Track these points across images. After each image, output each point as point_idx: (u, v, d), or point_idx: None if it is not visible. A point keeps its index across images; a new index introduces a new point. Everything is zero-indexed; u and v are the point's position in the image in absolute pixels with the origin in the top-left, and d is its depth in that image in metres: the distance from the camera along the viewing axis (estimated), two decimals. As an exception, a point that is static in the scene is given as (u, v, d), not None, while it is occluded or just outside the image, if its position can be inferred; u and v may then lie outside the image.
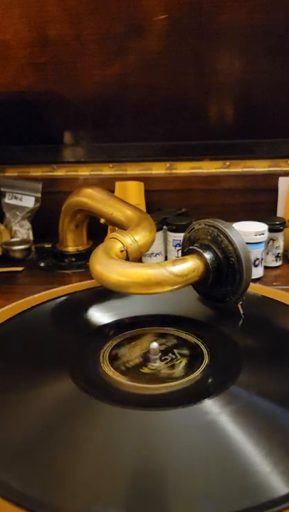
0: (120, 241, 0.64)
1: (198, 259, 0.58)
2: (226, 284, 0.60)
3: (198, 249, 0.59)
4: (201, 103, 0.96)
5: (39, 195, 1.00)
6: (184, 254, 0.62)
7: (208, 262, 0.58)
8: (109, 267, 0.57)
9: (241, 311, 0.61)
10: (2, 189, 1.01)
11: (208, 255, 0.59)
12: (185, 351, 0.55)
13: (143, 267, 0.56)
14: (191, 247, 0.60)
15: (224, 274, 0.59)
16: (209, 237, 0.60)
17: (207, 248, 0.59)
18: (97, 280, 0.58)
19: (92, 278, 0.60)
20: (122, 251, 0.64)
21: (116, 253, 0.62)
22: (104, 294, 0.65)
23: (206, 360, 0.53)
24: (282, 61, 0.90)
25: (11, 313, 0.63)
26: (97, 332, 0.60)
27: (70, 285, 0.72)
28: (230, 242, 0.57)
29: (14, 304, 0.65)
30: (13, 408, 0.46)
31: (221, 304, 0.62)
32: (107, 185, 0.95)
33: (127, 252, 0.64)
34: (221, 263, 0.59)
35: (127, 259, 0.64)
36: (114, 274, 0.56)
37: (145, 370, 0.51)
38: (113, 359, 0.53)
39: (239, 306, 0.61)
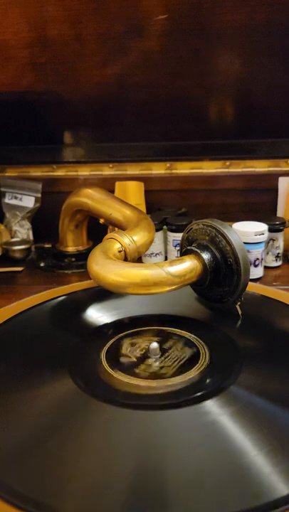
0: (118, 241, 0.64)
1: (196, 259, 0.58)
2: (224, 285, 0.60)
3: (196, 250, 0.59)
4: (201, 103, 0.96)
5: (39, 195, 1.00)
6: (182, 254, 0.62)
7: (206, 262, 0.58)
8: (106, 267, 0.57)
9: (240, 312, 0.61)
10: (2, 189, 1.01)
11: (206, 256, 0.59)
12: (185, 351, 0.54)
13: (140, 268, 0.56)
14: (189, 248, 0.60)
15: (222, 275, 0.59)
16: (207, 238, 0.60)
17: (205, 248, 0.59)
18: (95, 280, 0.58)
19: (91, 278, 0.60)
20: (120, 251, 0.64)
21: (114, 253, 0.62)
22: (104, 294, 0.65)
23: (206, 360, 0.53)
24: (282, 61, 0.90)
25: (11, 313, 0.63)
26: (96, 332, 0.60)
27: (69, 285, 0.72)
28: (228, 242, 0.57)
29: (14, 303, 0.66)
30: (12, 408, 0.46)
31: (219, 304, 0.62)
32: (107, 185, 0.96)
33: (125, 252, 0.64)
34: (218, 263, 0.59)
35: (126, 259, 0.64)
36: (112, 274, 0.55)
37: (145, 370, 0.51)
38: (113, 359, 0.53)
39: (237, 306, 0.61)
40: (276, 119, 0.96)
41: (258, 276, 0.82)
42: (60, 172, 1.03)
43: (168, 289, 0.56)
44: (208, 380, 0.50)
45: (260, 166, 0.99)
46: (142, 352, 0.54)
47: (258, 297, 0.67)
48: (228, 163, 1.00)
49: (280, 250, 0.86)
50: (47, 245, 0.96)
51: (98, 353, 0.54)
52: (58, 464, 0.40)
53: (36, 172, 1.03)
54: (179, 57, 0.91)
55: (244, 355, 0.53)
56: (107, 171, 1.02)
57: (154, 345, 0.53)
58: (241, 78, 0.92)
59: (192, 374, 0.50)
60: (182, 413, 0.44)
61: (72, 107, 0.97)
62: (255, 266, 0.81)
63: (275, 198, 0.97)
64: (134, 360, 0.53)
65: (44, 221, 0.99)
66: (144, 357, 0.53)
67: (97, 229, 0.85)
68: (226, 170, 1.00)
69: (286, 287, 0.76)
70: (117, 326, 0.61)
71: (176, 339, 0.57)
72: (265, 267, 0.85)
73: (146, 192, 0.98)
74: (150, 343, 0.53)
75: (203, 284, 0.60)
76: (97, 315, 0.64)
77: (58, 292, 0.70)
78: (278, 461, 0.39)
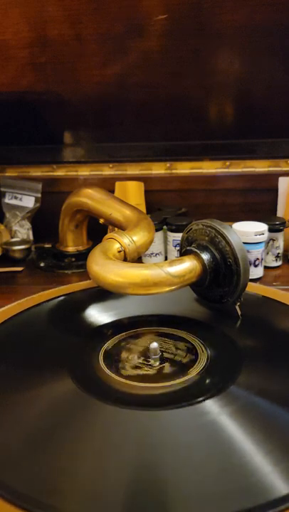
0: (118, 241, 0.64)
1: (195, 259, 0.58)
2: (224, 285, 0.60)
3: (196, 250, 0.59)
4: (201, 103, 0.96)
5: (39, 195, 1.00)
6: (181, 254, 0.62)
7: (206, 262, 0.58)
8: (106, 267, 0.57)
9: (239, 312, 0.61)
10: (2, 189, 1.01)
11: (205, 256, 0.58)
12: (184, 351, 0.55)
13: (140, 268, 0.56)
14: (188, 248, 0.60)
15: (221, 275, 0.59)
16: (207, 238, 0.60)
17: (204, 249, 0.59)
18: (95, 281, 0.58)
19: (91, 278, 0.60)
20: (119, 251, 0.64)
21: (113, 253, 0.62)
22: (104, 294, 0.65)
23: (206, 360, 0.53)
24: (282, 61, 0.90)
25: (11, 313, 0.63)
26: (96, 332, 0.60)
27: (69, 285, 0.72)
28: (228, 242, 0.57)
29: (14, 303, 0.66)
30: (12, 408, 0.46)
31: (219, 304, 0.62)
32: (107, 185, 0.96)
33: (124, 252, 0.64)
34: (218, 264, 0.59)
35: (125, 259, 0.64)
36: (111, 274, 0.56)
37: (145, 370, 0.51)
38: (113, 359, 0.53)
39: (237, 306, 0.61)
40: (276, 119, 0.96)
41: (258, 276, 0.82)
42: (60, 172, 1.03)
43: (167, 289, 0.56)
44: (208, 380, 0.50)
45: (260, 166, 0.99)
46: (142, 352, 0.54)
47: (257, 297, 0.67)
48: (228, 163, 1.00)
49: (280, 250, 0.86)
50: (47, 245, 0.96)
51: (98, 353, 0.54)
52: (57, 464, 0.40)
53: (36, 172, 1.03)
54: (179, 57, 0.91)
55: (244, 355, 0.53)
56: (107, 171, 1.02)
57: (154, 345, 0.53)
58: (241, 78, 0.92)
59: (192, 374, 0.50)
60: (182, 413, 0.44)
61: (72, 107, 0.97)
62: (255, 266, 0.81)
63: (275, 198, 0.97)
64: (134, 360, 0.53)
65: (44, 221, 0.99)
66: (144, 357, 0.53)
67: (97, 229, 0.85)
68: (226, 170, 1.00)
69: (286, 287, 0.76)
70: (117, 326, 0.61)
71: (176, 339, 0.57)
72: (265, 267, 0.85)
73: (146, 192, 0.98)
74: (150, 343, 0.53)
75: (203, 285, 0.60)
76: (97, 315, 0.64)
77: (57, 292, 0.70)
78: (278, 461, 0.39)
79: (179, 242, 0.81)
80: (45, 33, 0.89)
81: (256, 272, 0.81)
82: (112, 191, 0.94)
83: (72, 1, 0.86)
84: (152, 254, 0.87)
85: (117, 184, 0.98)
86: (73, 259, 0.90)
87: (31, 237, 1.00)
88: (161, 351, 0.54)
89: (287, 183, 0.95)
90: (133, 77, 0.93)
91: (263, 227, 0.81)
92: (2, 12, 0.87)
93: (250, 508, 0.35)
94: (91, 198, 0.82)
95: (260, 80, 0.92)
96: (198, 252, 0.59)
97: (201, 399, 0.46)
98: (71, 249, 0.91)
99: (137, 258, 0.66)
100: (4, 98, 0.96)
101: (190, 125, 0.98)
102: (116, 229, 0.74)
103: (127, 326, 0.60)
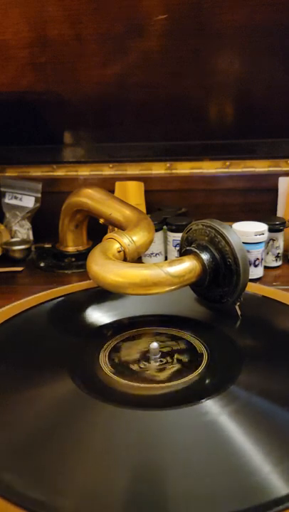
0: (118, 241, 0.64)
1: (195, 259, 0.58)
2: (223, 285, 0.60)
3: (196, 250, 0.59)
4: (201, 103, 0.96)
5: (39, 195, 1.00)
6: (181, 254, 0.62)
7: (205, 262, 0.58)
8: (105, 267, 0.57)
9: (239, 312, 0.61)
10: (2, 189, 1.01)
11: (205, 256, 0.58)
12: (185, 351, 0.55)
13: (139, 268, 0.56)
14: (188, 248, 0.60)
15: (221, 275, 0.59)
16: (206, 238, 0.60)
17: (204, 249, 0.59)
18: (94, 281, 0.58)
19: (91, 278, 0.60)
20: (119, 251, 0.64)
21: (113, 253, 0.62)
22: (104, 294, 0.65)
23: (206, 360, 0.53)
24: (282, 61, 0.90)
25: (11, 313, 0.63)
26: (96, 332, 0.60)
27: (69, 285, 0.72)
28: (228, 242, 0.57)
29: (14, 303, 0.66)
30: (13, 408, 0.46)
31: (219, 304, 0.62)
32: (107, 185, 0.96)
33: (124, 252, 0.64)
34: (218, 264, 0.59)
35: (125, 259, 0.64)
36: (111, 274, 0.56)
37: (145, 370, 0.51)
38: (113, 359, 0.53)
39: (237, 306, 0.61)
40: (276, 119, 0.96)
41: (258, 277, 0.82)
42: (60, 172, 1.03)
43: (167, 289, 0.56)
44: (208, 380, 0.50)
45: (260, 166, 0.99)
46: (142, 352, 0.54)
47: (257, 297, 0.67)
48: (228, 163, 1.00)
49: (280, 250, 0.86)
50: (47, 245, 0.96)
51: (98, 353, 0.54)
52: (58, 464, 0.40)
53: (36, 172, 1.03)
54: (179, 57, 0.91)
55: (244, 355, 0.53)
56: (107, 171, 1.02)
57: (154, 345, 0.53)
58: (241, 78, 0.92)
59: (192, 374, 0.50)
60: (182, 413, 0.44)
61: (72, 107, 0.97)
62: (255, 266, 0.81)
63: (275, 198, 0.97)
64: (134, 360, 0.53)
65: (44, 221, 0.99)
66: (144, 357, 0.53)
67: (97, 229, 0.85)
68: (226, 170, 1.00)
69: (286, 287, 0.76)
70: (117, 327, 0.61)
71: (176, 339, 0.57)
72: (265, 267, 0.85)
73: (146, 192, 0.98)
74: (150, 343, 0.53)
75: (203, 285, 0.60)
76: (97, 315, 0.64)
77: (57, 292, 0.70)
78: (278, 461, 0.39)
79: (178, 242, 0.81)
80: (45, 33, 0.89)
81: (256, 272, 0.81)
82: (112, 191, 0.95)
83: (72, 1, 0.86)
84: (152, 254, 0.87)
85: (117, 184, 0.98)
86: (73, 259, 0.90)
87: (31, 237, 1.00)
88: (161, 351, 0.54)
89: (287, 183, 0.95)
90: (133, 77, 0.93)
91: (263, 227, 0.81)
92: (2, 12, 0.87)
93: (250, 508, 0.35)
94: (91, 198, 0.82)
95: (260, 79, 0.92)
96: (198, 252, 0.59)
97: (201, 399, 0.46)
98: (71, 249, 0.91)
99: (136, 258, 0.66)
100: (4, 98, 0.96)
101: (190, 125, 0.98)
102: (116, 229, 0.74)
103: (127, 326, 0.60)
